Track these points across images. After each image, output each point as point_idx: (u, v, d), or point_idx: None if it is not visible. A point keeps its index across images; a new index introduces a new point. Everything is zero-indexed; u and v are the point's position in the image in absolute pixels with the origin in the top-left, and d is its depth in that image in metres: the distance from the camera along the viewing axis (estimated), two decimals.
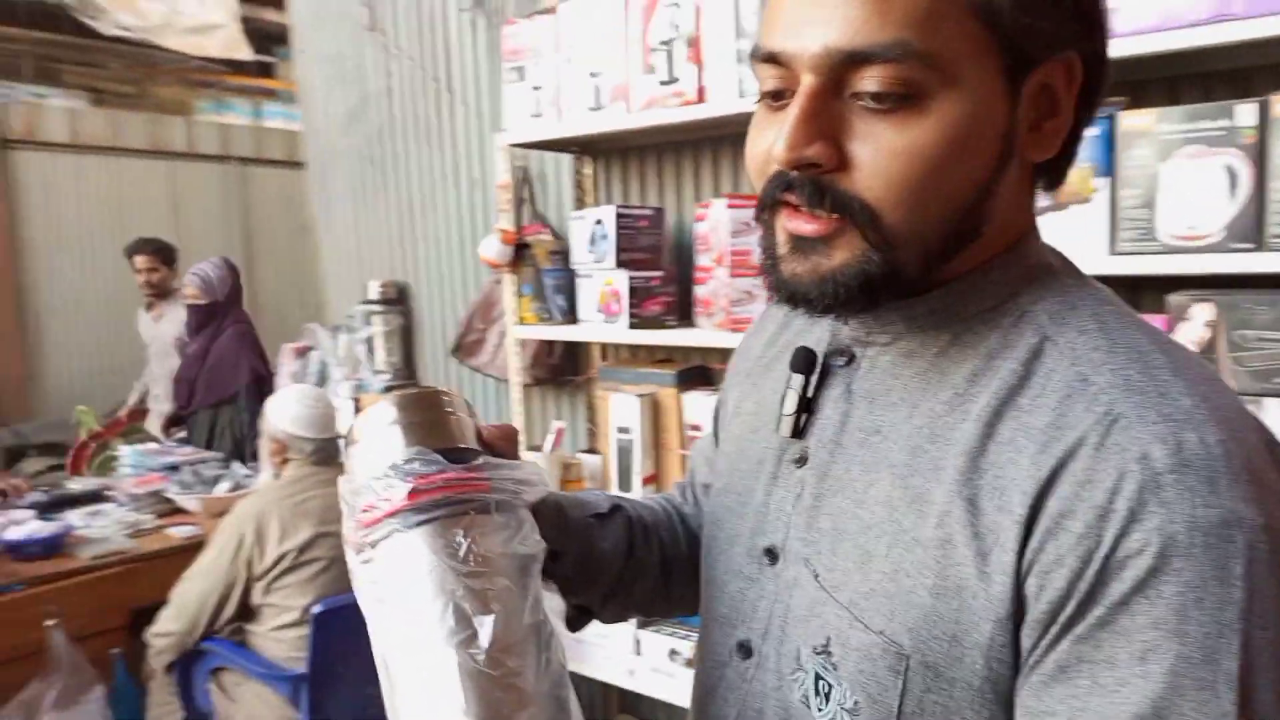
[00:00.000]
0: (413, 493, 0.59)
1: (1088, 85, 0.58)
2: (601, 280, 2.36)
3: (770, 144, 0.57)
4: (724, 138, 2.38)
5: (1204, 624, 0.47)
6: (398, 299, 3.33)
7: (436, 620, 0.56)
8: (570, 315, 2.48)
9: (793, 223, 0.57)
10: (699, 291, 2.21)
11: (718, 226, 2.11)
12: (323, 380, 3.43)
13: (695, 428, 2.32)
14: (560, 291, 2.52)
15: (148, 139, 5.54)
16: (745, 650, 0.66)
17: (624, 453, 2.35)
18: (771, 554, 0.65)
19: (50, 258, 5.09)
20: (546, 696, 0.57)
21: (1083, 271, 0.63)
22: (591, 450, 2.65)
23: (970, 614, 0.53)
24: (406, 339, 3.34)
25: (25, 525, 2.66)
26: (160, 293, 4.20)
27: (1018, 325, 0.58)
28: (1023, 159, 0.58)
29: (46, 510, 2.87)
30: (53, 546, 2.59)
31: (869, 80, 0.53)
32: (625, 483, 2.35)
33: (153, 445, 3.50)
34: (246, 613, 2.31)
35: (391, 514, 0.59)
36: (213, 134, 5.84)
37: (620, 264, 2.30)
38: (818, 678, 0.59)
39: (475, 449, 0.63)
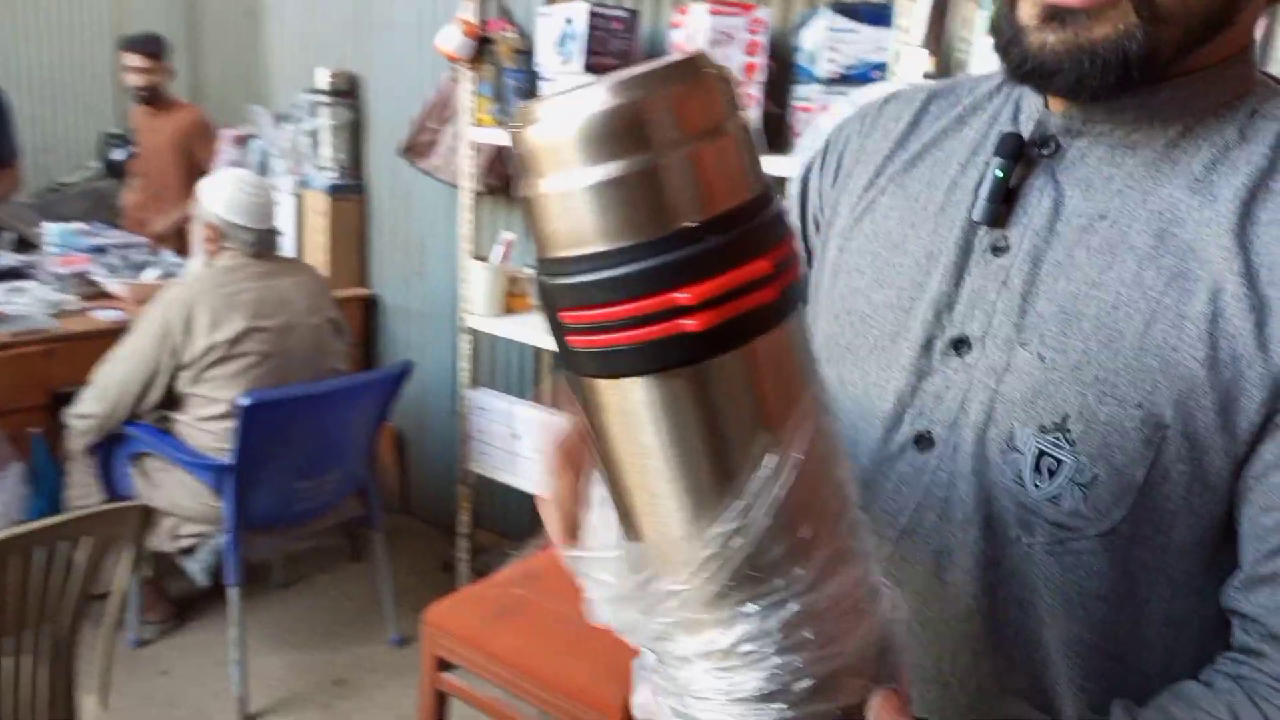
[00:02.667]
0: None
1: None
2: (567, 84, 2.21)
3: None
4: None
5: None
6: (347, 91, 3.12)
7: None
8: None
9: None
10: None
11: (695, 35, 1.96)
12: (264, 173, 3.25)
13: None
14: (522, 94, 2.36)
15: None
16: (925, 441, 0.65)
17: None
18: (962, 344, 0.64)
19: None
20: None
21: None
22: None
23: (1244, 382, 0.55)
24: (355, 135, 3.15)
25: None
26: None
27: (1252, 121, 0.60)
28: None
29: None
30: None
31: None
32: None
33: (79, 225, 3.32)
34: (172, 401, 2.24)
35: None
36: None
37: (588, 68, 2.15)
38: (1041, 455, 0.59)
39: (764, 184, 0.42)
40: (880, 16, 1.84)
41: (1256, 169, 0.58)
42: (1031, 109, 0.66)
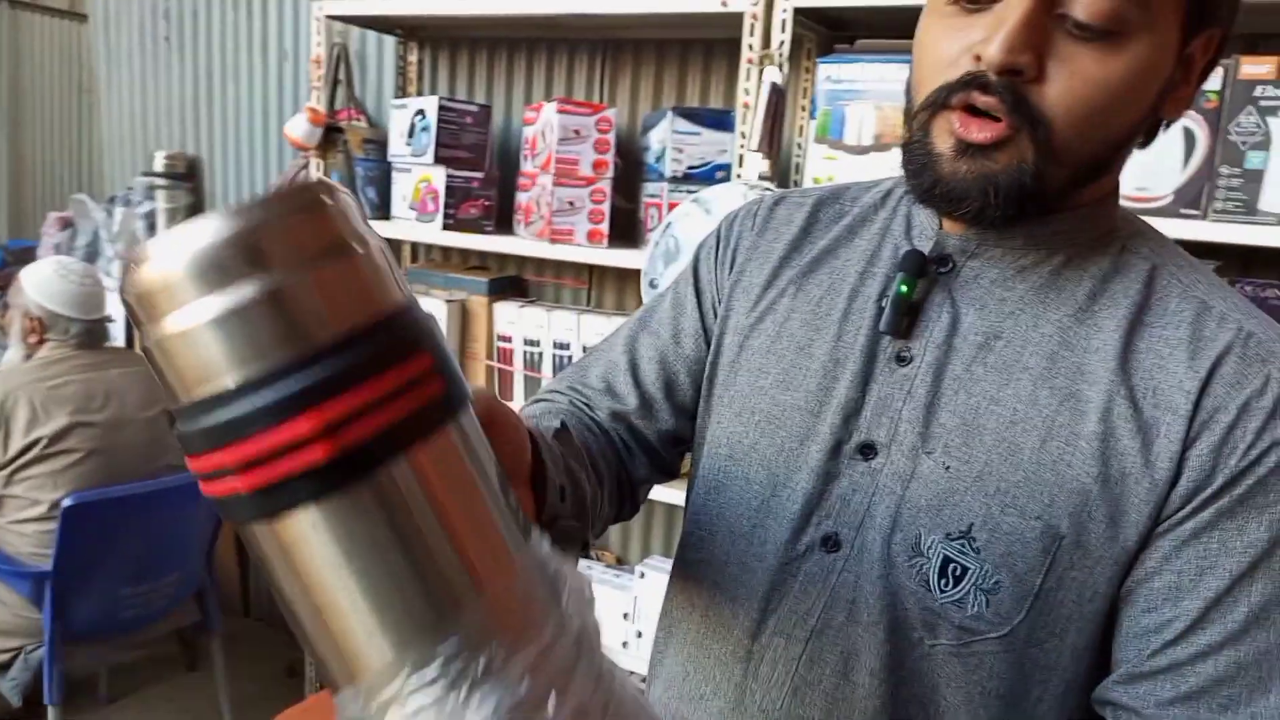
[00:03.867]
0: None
1: (1209, 64, 0.64)
2: (419, 175, 2.22)
3: (971, 44, 0.60)
4: (560, 39, 2.28)
5: None
6: (186, 174, 3.03)
7: None
8: (381, 210, 2.33)
9: (965, 129, 0.60)
10: (521, 198, 2.13)
11: (547, 131, 2.02)
12: (93, 257, 3.09)
13: (505, 338, 2.25)
14: (372, 184, 2.36)
15: None
16: (831, 543, 0.67)
17: None
18: (868, 449, 0.67)
19: None
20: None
21: None
22: None
23: (1132, 497, 0.60)
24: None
25: None
26: None
27: (1123, 255, 0.66)
28: (1156, 115, 0.64)
29: None
30: None
31: (1080, 7, 0.57)
32: None
33: None
34: None
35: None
36: None
37: (440, 160, 2.17)
38: (947, 561, 0.62)
39: (407, 300, 0.41)
40: (720, 121, 1.95)
41: (1133, 303, 0.64)
42: (925, 226, 0.71)
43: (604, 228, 2.03)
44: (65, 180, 4.10)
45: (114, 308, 2.76)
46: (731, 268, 0.80)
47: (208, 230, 0.36)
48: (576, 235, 2.02)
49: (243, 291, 0.36)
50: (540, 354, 2.23)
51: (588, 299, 2.35)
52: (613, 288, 2.32)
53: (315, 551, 0.39)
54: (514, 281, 2.39)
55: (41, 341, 2.14)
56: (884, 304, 0.68)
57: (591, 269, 2.32)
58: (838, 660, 0.66)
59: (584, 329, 2.16)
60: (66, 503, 1.95)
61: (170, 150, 3.02)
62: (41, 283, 2.13)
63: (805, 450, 0.69)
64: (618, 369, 0.83)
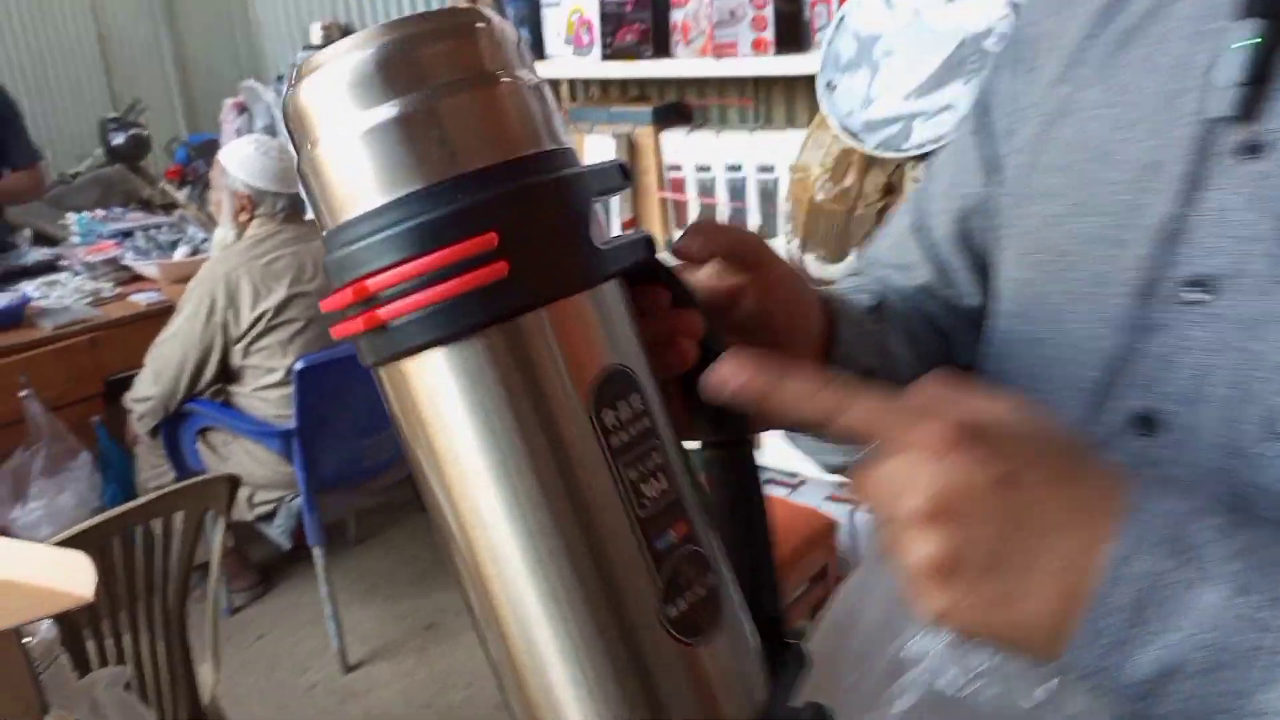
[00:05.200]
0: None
1: None
2: (570, 8, 2.17)
3: None
4: None
5: None
6: None
7: None
8: (536, 50, 2.30)
9: None
10: (676, 16, 2.05)
11: None
12: (272, 135, 3.23)
13: (675, 167, 2.23)
14: (523, 23, 2.32)
15: None
16: (1146, 423, 0.48)
17: None
18: (1200, 285, 0.46)
19: None
20: None
21: None
22: None
23: None
24: None
25: None
26: None
27: None
28: None
29: None
30: (12, 317, 2.50)
31: None
32: None
33: (100, 211, 3.33)
34: (228, 374, 2.28)
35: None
36: None
37: None
38: None
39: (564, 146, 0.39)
40: None
41: None
42: None
43: (769, 35, 1.93)
44: (228, 68, 4.26)
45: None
46: (1026, 68, 0.59)
47: (361, 45, 0.36)
48: (741, 47, 1.94)
49: (402, 105, 0.36)
50: (713, 179, 2.19)
51: (755, 116, 2.28)
52: (781, 100, 2.23)
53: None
54: (677, 108, 2.33)
55: (251, 219, 2.28)
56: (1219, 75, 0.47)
57: (757, 83, 2.23)
58: None
59: (756, 147, 2.10)
60: (298, 366, 2.12)
61: (324, 20, 3.06)
62: (244, 161, 2.25)
63: (1104, 295, 0.50)
64: (905, 235, 0.67)
